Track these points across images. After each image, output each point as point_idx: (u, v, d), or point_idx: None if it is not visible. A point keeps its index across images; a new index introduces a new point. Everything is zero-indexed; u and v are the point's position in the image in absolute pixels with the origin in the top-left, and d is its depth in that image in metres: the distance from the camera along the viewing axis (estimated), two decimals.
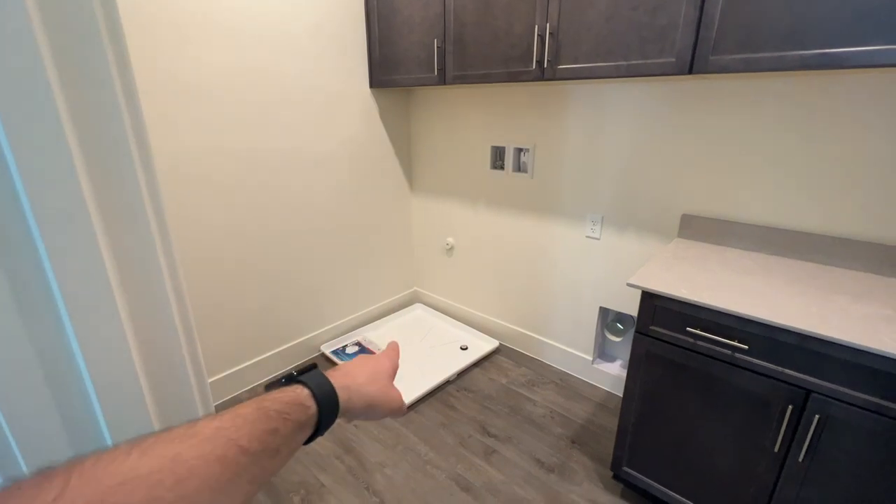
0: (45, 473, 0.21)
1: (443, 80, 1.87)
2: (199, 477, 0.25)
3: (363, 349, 2.35)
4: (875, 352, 0.91)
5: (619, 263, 1.88)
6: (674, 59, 1.27)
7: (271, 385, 0.36)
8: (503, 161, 2.16)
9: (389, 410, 0.45)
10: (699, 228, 1.61)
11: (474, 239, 2.42)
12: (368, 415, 0.44)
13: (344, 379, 0.41)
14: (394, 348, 0.55)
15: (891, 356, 0.90)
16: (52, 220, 0.52)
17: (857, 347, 0.93)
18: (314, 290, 2.27)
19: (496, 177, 2.21)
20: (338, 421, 0.39)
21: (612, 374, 2.03)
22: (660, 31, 1.28)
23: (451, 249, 2.57)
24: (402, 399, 0.48)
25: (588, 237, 1.94)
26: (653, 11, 1.28)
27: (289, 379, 0.38)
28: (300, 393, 0.35)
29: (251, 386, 2.09)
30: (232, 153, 1.79)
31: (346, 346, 2.39)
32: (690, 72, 1.25)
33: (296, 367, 2.27)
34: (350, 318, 2.50)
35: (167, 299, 0.69)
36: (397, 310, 2.74)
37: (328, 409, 0.36)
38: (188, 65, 1.60)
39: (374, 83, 2.21)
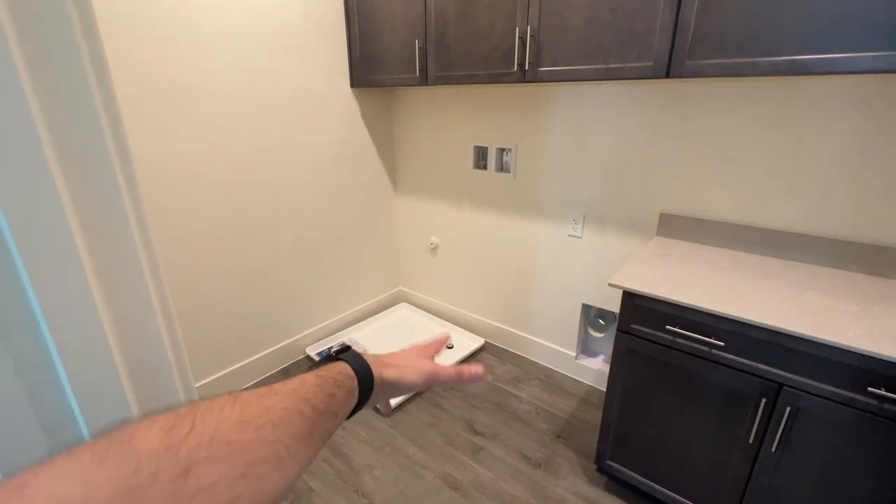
0: (174, 410, 0.25)
1: (425, 80, 1.87)
2: (288, 426, 0.29)
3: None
4: (841, 346, 0.96)
5: (601, 261, 1.92)
6: (651, 63, 1.29)
7: (316, 364, 0.41)
8: (486, 161, 2.17)
9: (419, 374, 0.48)
10: (677, 227, 1.66)
11: (458, 238, 2.43)
12: (400, 384, 0.46)
13: (374, 357, 0.45)
14: (435, 341, 0.57)
15: (855, 350, 0.95)
16: (27, 225, 0.51)
17: (824, 342, 0.98)
18: (298, 291, 2.25)
19: (479, 176, 2.22)
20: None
21: (594, 370, 2.08)
22: (637, 35, 1.30)
23: (435, 248, 2.57)
24: (432, 364, 0.50)
25: (570, 235, 1.98)
26: (630, 16, 1.30)
27: (328, 358, 0.42)
28: (343, 367, 0.40)
29: (242, 387, 2.06)
30: (212, 155, 1.76)
31: (332, 347, 2.38)
32: (668, 75, 1.28)
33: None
34: (335, 319, 2.49)
35: (152, 309, 0.68)
36: (383, 309, 2.74)
37: (366, 380, 0.41)
38: (168, 67, 1.56)
39: (354, 83, 2.19)
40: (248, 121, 1.84)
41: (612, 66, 1.37)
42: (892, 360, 0.91)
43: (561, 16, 1.43)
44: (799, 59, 1.08)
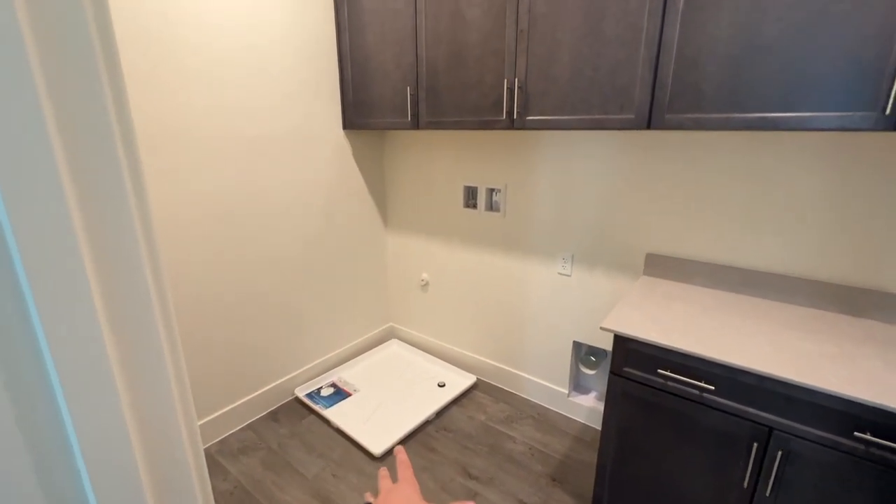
0: None
1: (416, 125, 1.93)
2: None
3: (338, 390, 2.30)
4: (824, 391, 0.99)
5: (591, 299, 1.95)
6: (633, 116, 1.37)
7: None
8: (476, 200, 2.22)
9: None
10: (663, 267, 1.71)
11: (449, 275, 2.46)
12: None
13: None
14: (404, 464, 0.55)
15: (837, 395, 0.98)
16: (42, 270, 0.51)
17: (808, 387, 1.01)
18: (288, 330, 2.22)
19: (469, 215, 2.27)
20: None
21: (587, 407, 2.08)
22: (619, 90, 1.38)
23: (426, 285, 2.59)
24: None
25: (560, 274, 2.02)
26: (612, 72, 1.38)
27: None
28: None
29: (224, 436, 2.00)
30: (204, 195, 1.77)
31: (322, 387, 2.34)
32: (649, 127, 1.35)
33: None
34: (325, 357, 2.45)
35: (164, 365, 0.67)
36: (374, 346, 2.72)
37: None
38: (167, 108, 1.59)
39: (347, 125, 2.25)
40: (241, 162, 1.87)
41: (597, 117, 1.45)
42: (873, 405, 0.94)
43: (547, 69, 1.51)
44: (769, 117, 1.16)
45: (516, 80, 1.58)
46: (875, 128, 1.04)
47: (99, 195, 0.58)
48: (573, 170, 1.87)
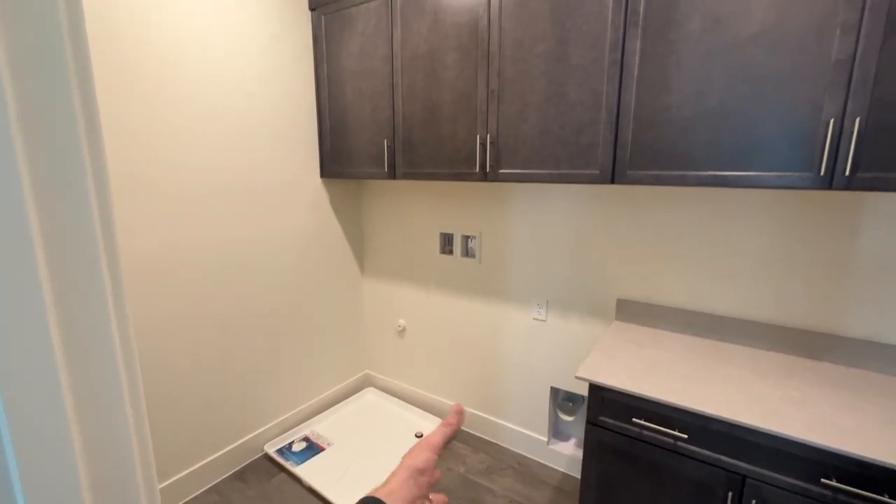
0: None
1: (393, 175, 1.98)
2: None
3: (311, 445, 2.20)
4: (789, 438, 1.02)
5: (566, 344, 1.98)
6: (598, 171, 1.46)
7: None
8: (452, 246, 2.26)
9: (410, 472, 0.48)
10: (634, 312, 1.76)
11: (426, 320, 2.45)
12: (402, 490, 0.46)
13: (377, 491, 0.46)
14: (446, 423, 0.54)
15: (799, 441, 1.01)
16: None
17: (775, 435, 1.04)
18: (259, 383, 2.14)
19: (446, 261, 2.30)
20: None
21: (567, 455, 2.05)
22: (584, 147, 1.47)
23: (402, 331, 2.56)
24: (422, 452, 0.50)
25: (535, 319, 2.04)
26: (577, 132, 1.48)
27: None
28: None
29: (185, 500, 1.87)
30: (179, 245, 1.74)
31: (293, 442, 2.23)
32: (613, 182, 1.43)
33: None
34: (297, 409, 2.35)
35: (125, 417, 0.64)
36: (348, 395, 2.63)
37: None
38: (143, 160, 1.59)
39: (324, 174, 2.29)
40: (220, 211, 1.86)
41: (564, 171, 1.53)
42: (835, 451, 0.98)
43: (517, 127, 1.60)
44: (720, 175, 1.25)
45: (488, 135, 1.66)
46: (812, 186, 1.14)
47: (68, 248, 0.58)
48: (545, 218, 1.94)
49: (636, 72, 1.34)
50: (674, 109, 1.30)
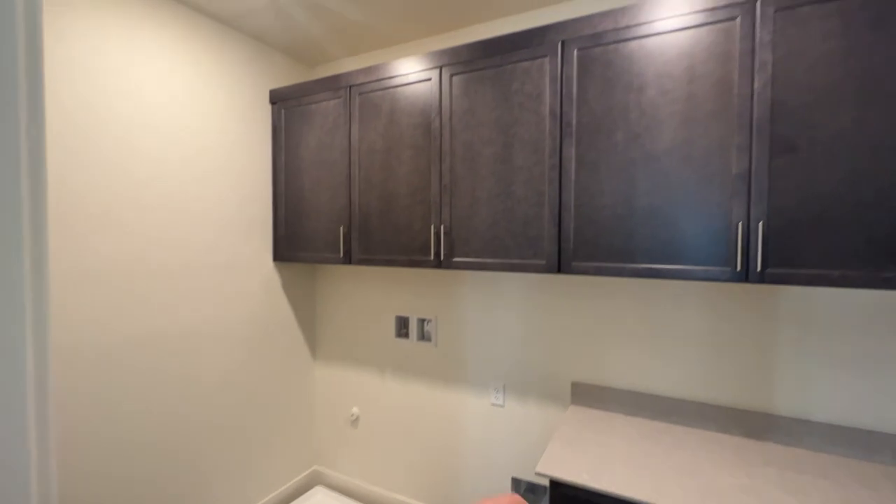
0: None
1: (348, 261, 1.99)
2: None
3: None
4: None
5: (525, 431, 1.94)
6: (545, 262, 1.55)
7: None
8: (408, 329, 2.24)
9: None
10: (588, 395, 1.78)
11: (381, 408, 2.34)
12: None
13: None
14: None
15: None
16: None
17: None
18: (191, 488, 1.90)
19: (401, 345, 2.26)
20: None
21: None
22: (532, 239, 1.57)
23: (356, 420, 2.42)
24: None
25: (493, 405, 2.01)
26: (525, 225, 1.59)
27: None
28: None
29: None
30: (120, 332, 1.60)
31: None
32: (559, 272, 1.52)
33: None
34: None
35: None
36: (295, 496, 2.38)
37: None
38: (87, 253, 1.50)
39: (278, 257, 2.26)
40: (165, 298, 1.76)
41: (514, 261, 1.61)
42: None
43: (469, 219, 1.70)
44: (654, 267, 1.37)
45: (442, 226, 1.74)
46: (732, 280, 1.27)
47: None
48: (499, 302, 2.00)
49: (573, 175, 1.49)
50: (608, 209, 1.43)
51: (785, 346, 1.49)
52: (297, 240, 2.18)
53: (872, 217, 1.12)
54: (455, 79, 1.70)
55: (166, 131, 1.78)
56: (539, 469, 1.29)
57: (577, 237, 1.49)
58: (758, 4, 1.22)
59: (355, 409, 2.41)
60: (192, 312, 1.89)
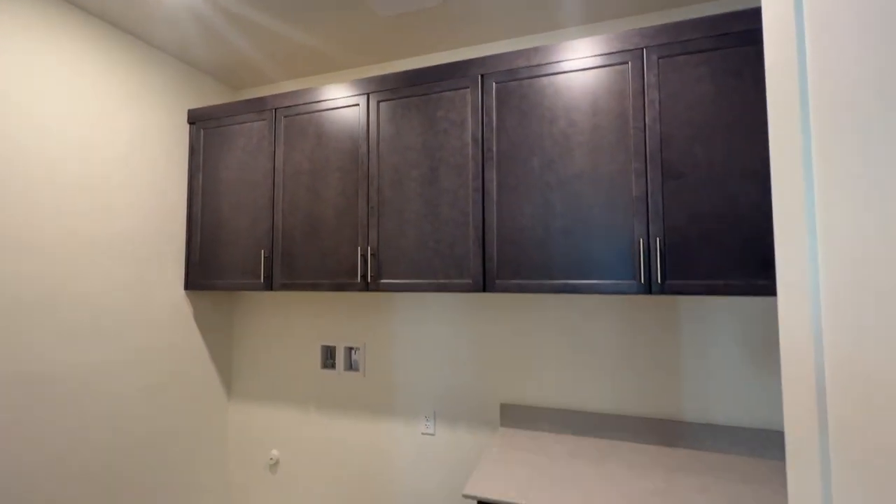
0: None
1: (269, 286, 1.89)
2: None
3: None
4: None
5: (457, 460, 1.89)
6: (470, 281, 1.58)
7: None
8: (335, 360, 2.14)
9: None
10: (516, 416, 1.79)
11: (304, 450, 2.16)
12: None
13: None
14: None
15: None
16: None
17: None
18: None
19: (327, 376, 2.14)
20: None
21: None
22: (458, 259, 1.60)
23: (275, 464, 2.21)
24: None
25: (424, 434, 1.95)
26: (451, 245, 1.62)
27: None
28: None
29: None
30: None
31: None
32: (484, 290, 1.56)
33: None
34: None
35: None
36: None
37: None
38: None
39: (189, 286, 2.08)
40: (47, 331, 1.52)
41: (441, 281, 1.62)
42: None
43: (396, 241, 1.70)
44: (570, 283, 1.45)
45: (369, 248, 1.72)
46: (637, 292, 1.37)
47: None
48: (427, 327, 1.98)
49: (495, 197, 1.56)
50: (528, 229, 1.51)
51: (688, 356, 1.62)
52: (212, 267, 2.03)
53: (746, 232, 1.29)
54: (382, 105, 1.75)
55: (59, 151, 1.62)
56: (466, 491, 1.25)
57: (501, 256, 1.54)
58: (644, 52, 1.41)
59: (275, 452, 2.20)
60: (80, 351, 1.65)
